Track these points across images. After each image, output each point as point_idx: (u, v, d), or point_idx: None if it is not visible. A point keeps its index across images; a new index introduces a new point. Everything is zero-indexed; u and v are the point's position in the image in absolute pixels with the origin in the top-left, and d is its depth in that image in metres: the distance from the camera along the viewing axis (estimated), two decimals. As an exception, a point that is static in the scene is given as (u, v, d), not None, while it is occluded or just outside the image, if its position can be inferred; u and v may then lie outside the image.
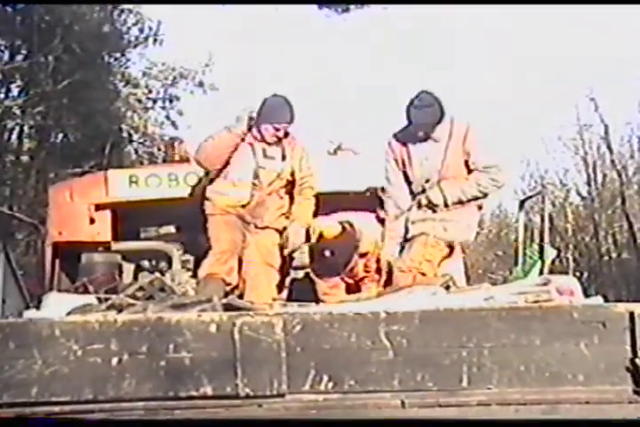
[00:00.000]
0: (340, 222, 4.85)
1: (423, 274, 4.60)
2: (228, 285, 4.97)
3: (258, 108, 5.06)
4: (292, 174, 5.16)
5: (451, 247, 4.88)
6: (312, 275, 4.98)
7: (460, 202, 4.86)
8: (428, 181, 4.87)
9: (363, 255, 4.82)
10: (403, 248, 4.86)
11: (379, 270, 4.83)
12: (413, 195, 4.91)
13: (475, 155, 4.84)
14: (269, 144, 5.13)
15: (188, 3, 13.08)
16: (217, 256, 5.02)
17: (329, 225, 4.86)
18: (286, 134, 5.12)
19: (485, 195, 4.94)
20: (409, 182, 4.95)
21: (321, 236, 4.87)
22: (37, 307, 4.53)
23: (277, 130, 5.04)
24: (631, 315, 3.31)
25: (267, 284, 5.02)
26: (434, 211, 4.82)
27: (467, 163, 4.90)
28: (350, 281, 4.87)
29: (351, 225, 4.81)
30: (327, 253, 4.82)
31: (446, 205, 4.81)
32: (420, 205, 4.84)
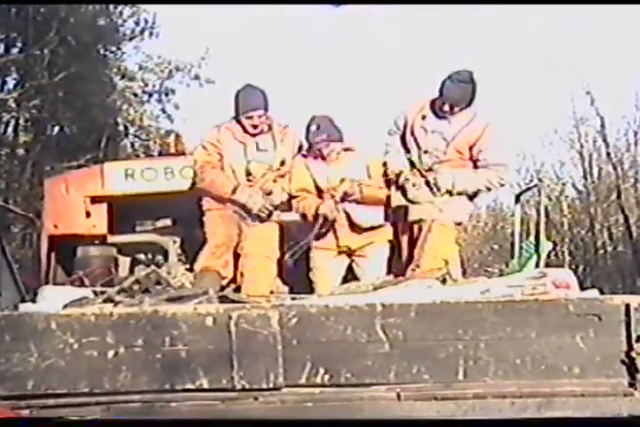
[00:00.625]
0: None
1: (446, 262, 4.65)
2: (224, 278, 4.97)
3: (234, 102, 5.07)
4: (283, 164, 5.14)
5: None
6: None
7: (464, 193, 4.92)
8: (426, 152, 4.93)
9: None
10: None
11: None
12: (410, 162, 4.96)
13: (487, 152, 4.92)
14: (258, 135, 5.11)
15: (188, 3, 13.02)
16: (212, 250, 5.02)
17: None
18: (270, 127, 5.09)
19: (489, 190, 5.01)
20: (406, 148, 5.01)
21: None
22: (33, 300, 4.52)
23: (250, 118, 5.02)
24: (627, 307, 3.32)
25: (265, 276, 5.02)
26: (433, 193, 4.87)
27: (471, 157, 4.94)
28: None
29: None
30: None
31: (450, 193, 4.87)
32: (422, 185, 4.89)
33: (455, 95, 4.89)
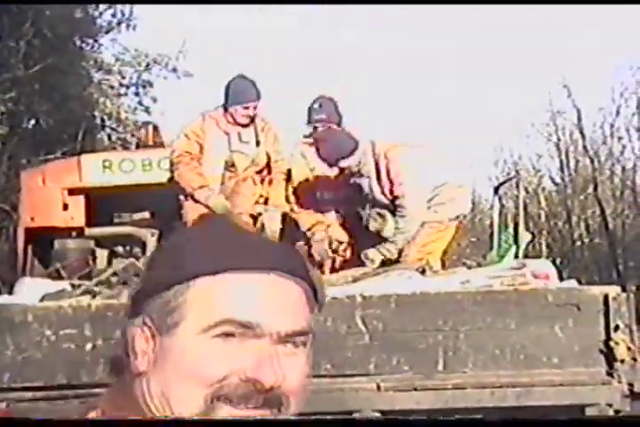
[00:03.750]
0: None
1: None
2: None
3: (224, 92, 5.04)
4: (268, 159, 5.13)
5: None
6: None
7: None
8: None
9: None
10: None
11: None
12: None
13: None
14: (244, 127, 5.09)
15: (185, 3, 12.93)
16: None
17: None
18: (252, 118, 5.07)
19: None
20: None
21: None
22: (10, 293, 4.47)
23: (247, 108, 5.00)
24: (605, 298, 3.34)
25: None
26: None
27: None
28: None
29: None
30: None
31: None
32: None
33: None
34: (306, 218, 5.05)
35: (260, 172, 5.15)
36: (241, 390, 1.03)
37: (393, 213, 4.80)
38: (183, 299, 1.05)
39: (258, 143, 5.12)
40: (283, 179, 5.16)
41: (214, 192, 5.02)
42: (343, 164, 4.70)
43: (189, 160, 5.05)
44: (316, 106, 4.99)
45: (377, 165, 4.73)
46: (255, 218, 5.16)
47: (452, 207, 4.90)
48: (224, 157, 5.06)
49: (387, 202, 4.80)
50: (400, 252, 4.73)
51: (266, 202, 5.17)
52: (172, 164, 5.15)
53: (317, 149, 4.75)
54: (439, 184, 4.81)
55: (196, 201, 5.01)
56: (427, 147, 5.12)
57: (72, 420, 1.07)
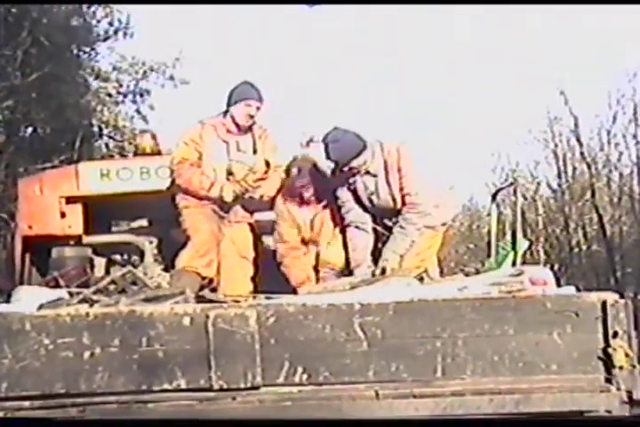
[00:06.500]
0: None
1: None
2: (204, 278, 4.94)
3: (227, 96, 5.05)
4: (267, 166, 5.13)
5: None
6: (272, 241, 5.01)
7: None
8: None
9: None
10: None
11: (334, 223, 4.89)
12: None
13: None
14: (242, 133, 5.09)
15: (181, 3, 12.95)
16: (196, 248, 4.97)
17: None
18: (253, 121, 5.07)
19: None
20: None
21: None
22: (7, 301, 4.47)
23: (249, 106, 5.00)
24: (603, 304, 3.34)
25: (242, 277, 5.00)
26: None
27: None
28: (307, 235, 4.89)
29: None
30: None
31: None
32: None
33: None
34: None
35: (258, 180, 5.15)
36: None
37: (392, 216, 4.82)
38: None
39: (255, 151, 5.13)
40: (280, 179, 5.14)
41: (225, 184, 4.99)
42: (354, 163, 4.71)
43: (189, 166, 5.06)
44: (294, 171, 4.91)
45: (385, 163, 4.76)
46: (253, 226, 5.17)
47: (443, 212, 4.93)
48: (224, 166, 5.07)
49: (390, 204, 4.80)
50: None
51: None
52: (172, 171, 5.16)
53: (327, 150, 4.74)
54: (437, 187, 4.87)
55: (209, 199, 4.98)
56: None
57: (72, 420, 1.07)
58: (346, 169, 4.78)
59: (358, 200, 4.87)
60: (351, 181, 4.84)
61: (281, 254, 4.96)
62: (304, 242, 4.98)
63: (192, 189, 5.04)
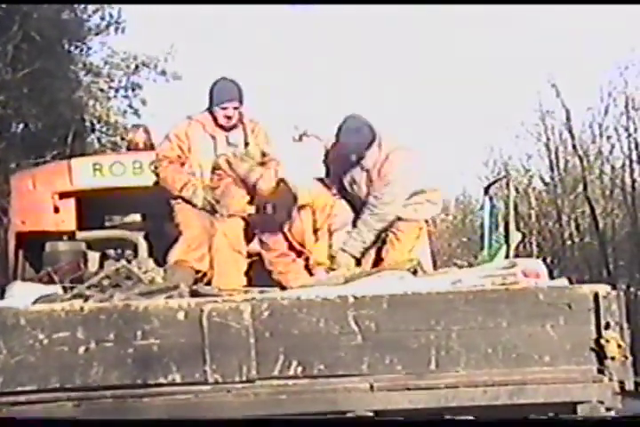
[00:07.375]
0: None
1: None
2: (198, 272, 4.94)
3: (208, 95, 5.05)
4: (262, 156, 5.12)
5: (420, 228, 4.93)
6: (258, 246, 4.99)
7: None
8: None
9: (302, 208, 4.82)
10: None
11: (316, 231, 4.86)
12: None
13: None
14: (230, 130, 5.09)
15: (181, 3, 12.91)
16: (188, 242, 4.97)
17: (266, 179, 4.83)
18: (234, 119, 5.06)
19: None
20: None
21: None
22: (1, 297, 4.47)
23: (225, 109, 5.00)
24: (595, 296, 3.36)
25: (235, 271, 5.00)
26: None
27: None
28: (294, 241, 4.88)
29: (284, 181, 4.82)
30: (268, 207, 4.80)
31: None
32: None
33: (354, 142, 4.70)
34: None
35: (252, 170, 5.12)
36: None
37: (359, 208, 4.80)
38: None
39: (247, 145, 5.13)
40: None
41: (199, 187, 5.01)
42: (367, 153, 4.70)
43: (168, 164, 5.06)
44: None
45: (376, 161, 4.77)
46: (246, 220, 5.17)
47: (428, 208, 4.93)
48: (210, 161, 5.06)
49: (364, 199, 4.80)
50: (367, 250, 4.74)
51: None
52: (155, 167, 5.16)
53: (338, 137, 4.73)
54: (423, 186, 4.86)
55: (187, 201, 5.01)
56: (419, 151, 5.14)
57: (72, 420, 1.08)
58: (354, 159, 4.76)
59: (345, 193, 4.88)
60: (347, 174, 4.84)
61: (270, 262, 4.93)
62: (292, 248, 4.96)
63: (168, 188, 5.06)
